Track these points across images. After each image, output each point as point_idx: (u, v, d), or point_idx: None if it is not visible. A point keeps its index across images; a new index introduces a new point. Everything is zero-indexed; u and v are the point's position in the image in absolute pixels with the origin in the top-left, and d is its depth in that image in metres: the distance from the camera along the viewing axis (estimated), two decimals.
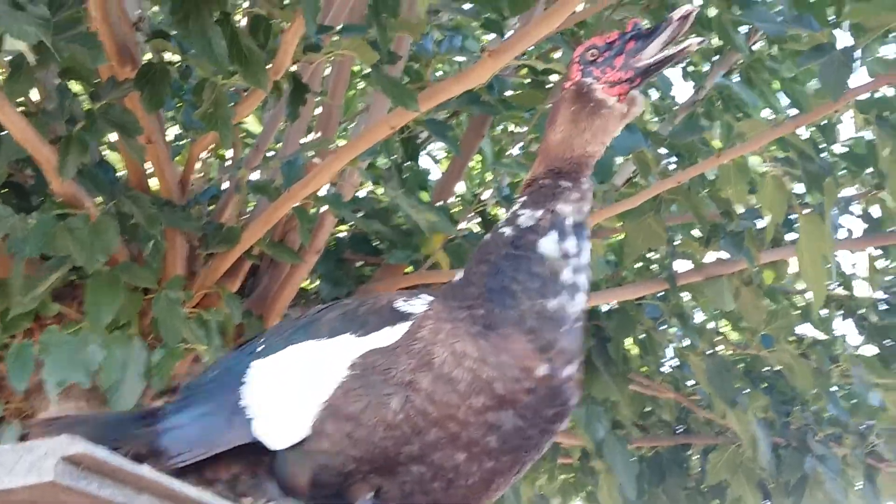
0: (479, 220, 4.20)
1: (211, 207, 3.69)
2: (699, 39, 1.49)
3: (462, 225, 4.04)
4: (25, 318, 3.11)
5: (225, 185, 3.88)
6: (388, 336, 1.48)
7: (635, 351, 4.96)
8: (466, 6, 4.15)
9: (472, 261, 1.54)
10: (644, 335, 4.65)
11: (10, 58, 2.53)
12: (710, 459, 5.16)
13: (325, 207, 3.49)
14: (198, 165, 3.92)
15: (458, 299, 1.49)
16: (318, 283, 4.18)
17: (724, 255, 4.18)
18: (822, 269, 3.44)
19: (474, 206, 4.11)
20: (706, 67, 4.89)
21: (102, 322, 2.99)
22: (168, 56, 3.14)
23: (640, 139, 3.56)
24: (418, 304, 1.52)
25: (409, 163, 4.25)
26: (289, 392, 1.52)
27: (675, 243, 4.30)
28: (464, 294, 1.49)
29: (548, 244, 1.48)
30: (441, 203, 3.96)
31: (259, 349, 1.64)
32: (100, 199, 3.05)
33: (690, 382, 5.28)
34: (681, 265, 4.39)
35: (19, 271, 2.84)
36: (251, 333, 3.55)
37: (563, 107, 1.54)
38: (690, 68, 5.27)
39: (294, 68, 2.75)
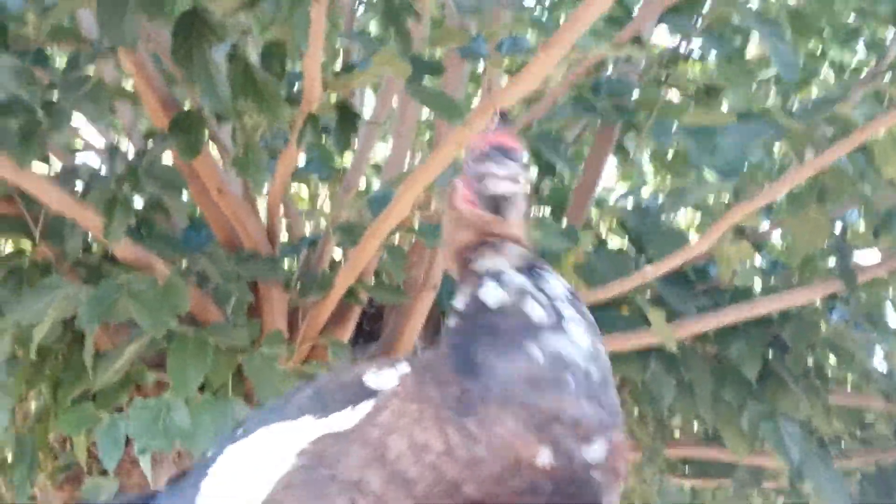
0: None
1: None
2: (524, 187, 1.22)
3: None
4: (120, 391, 3.01)
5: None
6: (348, 418, 1.17)
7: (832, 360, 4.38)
8: None
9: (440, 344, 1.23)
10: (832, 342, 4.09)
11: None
12: None
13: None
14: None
15: (434, 371, 1.16)
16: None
17: None
18: None
19: (608, 219, 3.73)
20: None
21: (189, 387, 2.82)
22: None
23: (764, 128, 3.05)
24: (389, 378, 1.20)
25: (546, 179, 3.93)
26: (238, 484, 1.24)
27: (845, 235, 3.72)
28: (441, 367, 1.16)
29: (489, 291, 1.16)
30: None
31: (239, 432, 1.37)
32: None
33: None
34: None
35: (90, 346, 2.73)
36: None
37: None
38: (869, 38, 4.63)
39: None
